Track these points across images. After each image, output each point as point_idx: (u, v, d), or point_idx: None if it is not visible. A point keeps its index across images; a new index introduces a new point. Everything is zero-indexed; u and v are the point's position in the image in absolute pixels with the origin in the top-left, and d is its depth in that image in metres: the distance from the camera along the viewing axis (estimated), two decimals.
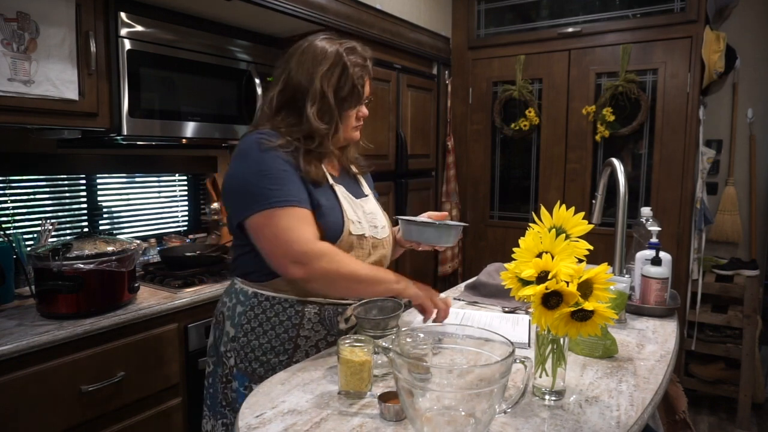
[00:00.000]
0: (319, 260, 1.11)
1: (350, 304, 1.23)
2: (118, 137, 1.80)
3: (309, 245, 1.12)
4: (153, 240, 2.26)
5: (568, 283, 0.87)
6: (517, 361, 0.83)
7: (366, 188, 1.42)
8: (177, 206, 2.54)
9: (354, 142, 1.36)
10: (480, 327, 0.94)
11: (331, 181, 1.26)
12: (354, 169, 1.40)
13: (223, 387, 1.24)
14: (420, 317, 1.30)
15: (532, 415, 0.91)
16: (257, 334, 1.21)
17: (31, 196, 1.99)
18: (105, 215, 2.22)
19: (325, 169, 1.26)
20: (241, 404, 1.18)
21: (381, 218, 1.36)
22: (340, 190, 1.27)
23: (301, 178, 1.19)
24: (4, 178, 1.89)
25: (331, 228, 1.20)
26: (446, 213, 1.48)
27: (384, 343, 1.04)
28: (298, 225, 1.12)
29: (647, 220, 1.72)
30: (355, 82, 1.24)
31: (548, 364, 0.96)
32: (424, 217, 1.42)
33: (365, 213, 1.30)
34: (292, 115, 1.23)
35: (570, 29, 3.11)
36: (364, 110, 1.32)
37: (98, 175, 2.16)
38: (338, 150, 1.35)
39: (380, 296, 1.19)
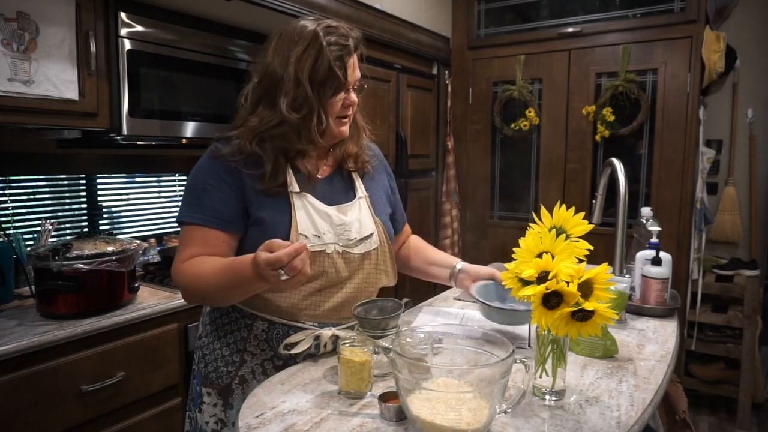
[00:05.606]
0: (179, 278, 1.11)
1: (301, 329, 1.14)
2: (118, 137, 1.80)
3: (176, 266, 1.12)
4: (153, 240, 2.27)
5: (568, 283, 0.87)
6: (518, 361, 0.83)
7: (360, 189, 1.23)
8: (177, 206, 2.53)
9: (341, 138, 1.19)
10: (480, 327, 0.94)
11: (291, 189, 1.13)
12: (351, 165, 1.23)
13: (192, 382, 1.25)
14: (421, 318, 1.29)
15: (532, 415, 0.91)
16: (213, 338, 1.20)
17: (31, 196, 1.99)
18: (105, 215, 2.21)
19: (291, 177, 1.13)
20: (198, 402, 1.20)
21: (365, 227, 1.18)
22: (302, 200, 1.13)
23: (241, 191, 1.11)
24: (4, 178, 1.89)
25: None
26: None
27: (384, 343, 1.04)
28: (186, 244, 1.12)
29: (647, 220, 1.72)
30: (331, 63, 1.08)
31: (548, 364, 0.96)
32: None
33: (334, 224, 1.14)
34: (267, 109, 1.11)
35: (570, 29, 3.10)
36: (352, 97, 1.15)
37: (98, 175, 2.16)
38: (328, 146, 1.20)
39: (245, 294, 1.06)
